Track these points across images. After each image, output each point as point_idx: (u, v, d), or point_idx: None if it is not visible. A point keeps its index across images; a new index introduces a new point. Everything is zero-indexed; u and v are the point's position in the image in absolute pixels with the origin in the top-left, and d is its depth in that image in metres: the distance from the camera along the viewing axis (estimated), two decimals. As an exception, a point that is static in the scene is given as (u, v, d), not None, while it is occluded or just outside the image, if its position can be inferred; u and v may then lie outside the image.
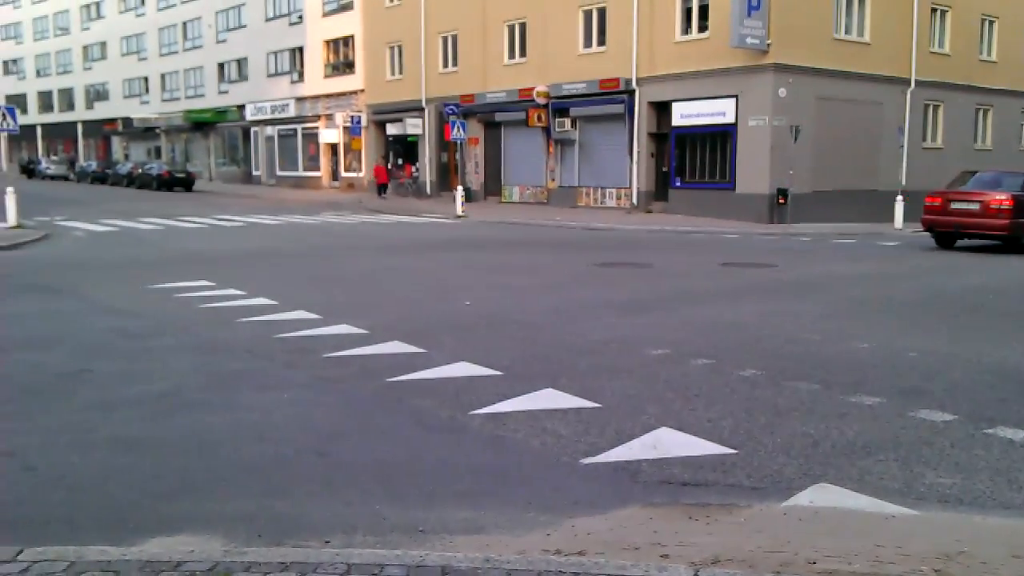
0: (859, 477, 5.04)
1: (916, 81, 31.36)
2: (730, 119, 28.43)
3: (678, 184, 30.65)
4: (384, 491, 4.84)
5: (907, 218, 26.90)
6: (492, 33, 36.77)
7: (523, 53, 35.70)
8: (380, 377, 7.28)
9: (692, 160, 30.21)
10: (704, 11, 28.99)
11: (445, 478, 5.04)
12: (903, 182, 30.56)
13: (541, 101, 34.12)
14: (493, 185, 38.19)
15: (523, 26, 35.51)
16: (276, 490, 4.86)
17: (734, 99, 28.18)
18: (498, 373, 7.37)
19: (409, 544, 4.11)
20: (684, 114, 29.97)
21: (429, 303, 11.44)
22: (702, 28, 29.14)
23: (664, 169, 31.44)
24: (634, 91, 31.26)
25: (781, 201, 27.12)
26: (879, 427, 5.97)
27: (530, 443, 5.62)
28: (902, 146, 30.56)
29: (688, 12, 29.67)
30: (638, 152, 31.63)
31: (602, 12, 32.40)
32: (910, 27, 31.04)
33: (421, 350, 8.30)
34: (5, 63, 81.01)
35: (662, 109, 31.06)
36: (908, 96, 31.27)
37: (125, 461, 5.31)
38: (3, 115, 23.17)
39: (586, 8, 32.94)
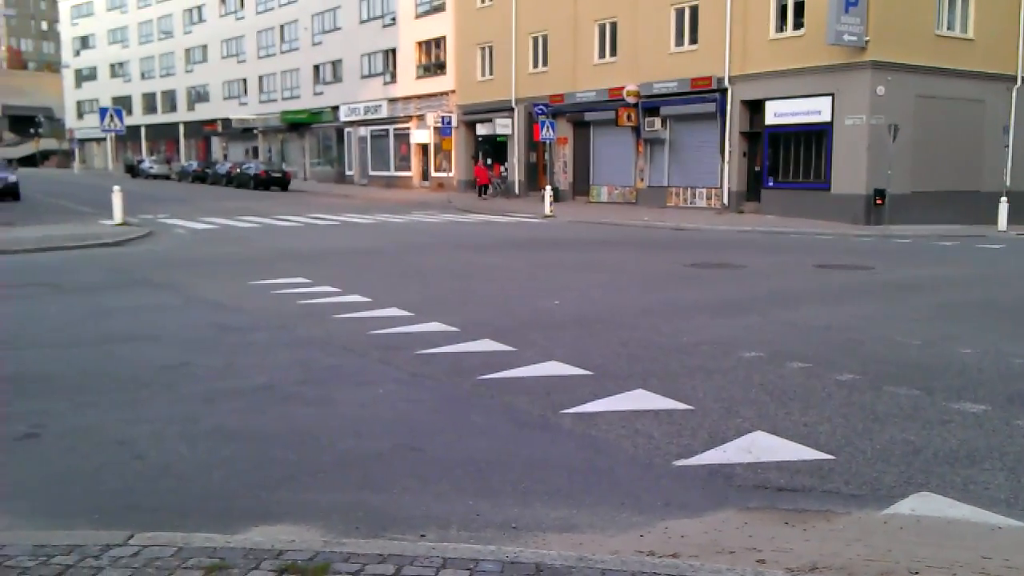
0: (963, 486, 4.89)
1: (1023, 78, 30.11)
2: (825, 118, 27.77)
3: (771, 184, 30.09)
4: (477, 487, 4.89)
5: (1011, 220, 25.88)
6: (582, 33, 36.70)
7: (613, 52, 35.53)
8: (471, 374, 7.35)
9: (786, 160, 29.61)
10: (800, 7, 28.38)
11: (537, 476, 5.07)
12: (1008, 183, 29.39)
13: (631, 100, 33.89)
14: (581, 185, 38.10)
15: (614, 25, 35.34)
16: (371, 483, 4.97)
17: (830, 97, 27.52)
18: (588, 373, 7.37)
19: (503, 540, 4.15)
20: (778, 113, 29.40)
21: (518, 302, 11.49)
22: (797, 25, 28.54)
23: (756, 169, 30.90)
24: (726, 90, 30.80)
25: (878, 202, 26.37)
26: (984, 435, 5.77)
27: (622, 444, 5.61)
28: (1007, 146, 29.37)
29: (783, 9, 29.09)
30: (730, 151, 31.16)
31: (694, 10, 32.02)
32: (1016, 22, 29.82)
33: (511, 348, 8.35)
34: (112, 66, 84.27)
35: (755, 108, 30.53)
36: (1014, 94, 30.04)
37: (228, 452, 5.49)
38: (111, 116, 24.12)
39: (678, 6, 32.60)
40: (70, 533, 4.10)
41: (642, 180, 35.16)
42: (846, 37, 25.99)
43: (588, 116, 36.78)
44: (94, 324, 9.94)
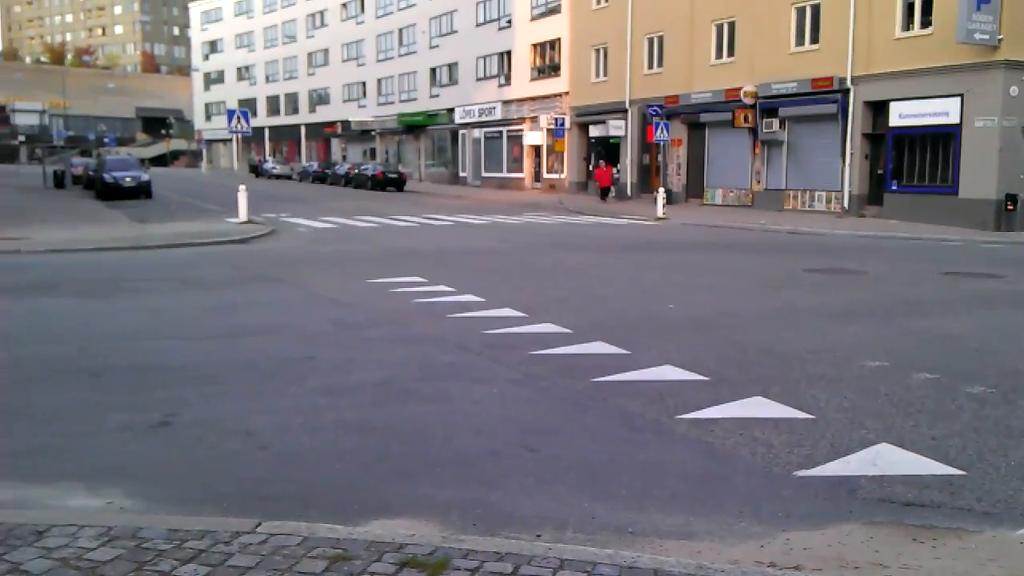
0: (1108, 510, 4.62)
1: None
2: (954, 119, 26.61)
3: (894, 188, 29.02)
4: (592, 489, 4.89)
5: None
6: (699, 33, 36.19)
7: (731, 52, 34.91)
8: (585, 376, 7.34)
9: (910, 162, 28.52)
10: (928, 5, 27.28)
11: (653, 481, 5.02)
12: None
13: (748, 101, 33.23)
14: (695, 187, 37.57)
15: (731, 25, 34.72)
16: (487, 481, 5.02)
17: (959, 98, 26.35)
18: (704, 378, 7.27)
19: (619, 544, 4.13)
20: (903, 114, 28.32)
21: (632, 304, 11.41)
22: (925, 23, 27.44)
23: (879, 172, 29.85)
24: (848, 90, 29.85)
25: (1010, 207, 25.11)
26: None
27: (740, 452, 5.51)
28: None
29: (910, 7, 28.01)
30: (851, 154, 30.19)
31: (816, 9, 31.16)
32: None
33: (625, 351, 8.30)
34: (238, 70, 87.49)
35: (878, 109, 29.49)
36: None
37: (349, 444, 5.63)
38: (238, 118, 25.03)
39: (799, 5, 31.79)
40: (202, 519, 4.27)
41: (758, 183, 34.44)
42: (977, 36, 24.85)
43: (703, 117, 36.24)
44: (222, 318, 10.34)
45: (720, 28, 35.31)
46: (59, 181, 45.43)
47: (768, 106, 32.80)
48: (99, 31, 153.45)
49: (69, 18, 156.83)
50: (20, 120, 47.67)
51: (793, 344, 8.76)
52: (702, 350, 8.43)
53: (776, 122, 32.65)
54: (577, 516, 4.50)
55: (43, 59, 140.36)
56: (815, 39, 31.24)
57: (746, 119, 33.47)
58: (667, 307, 11.16)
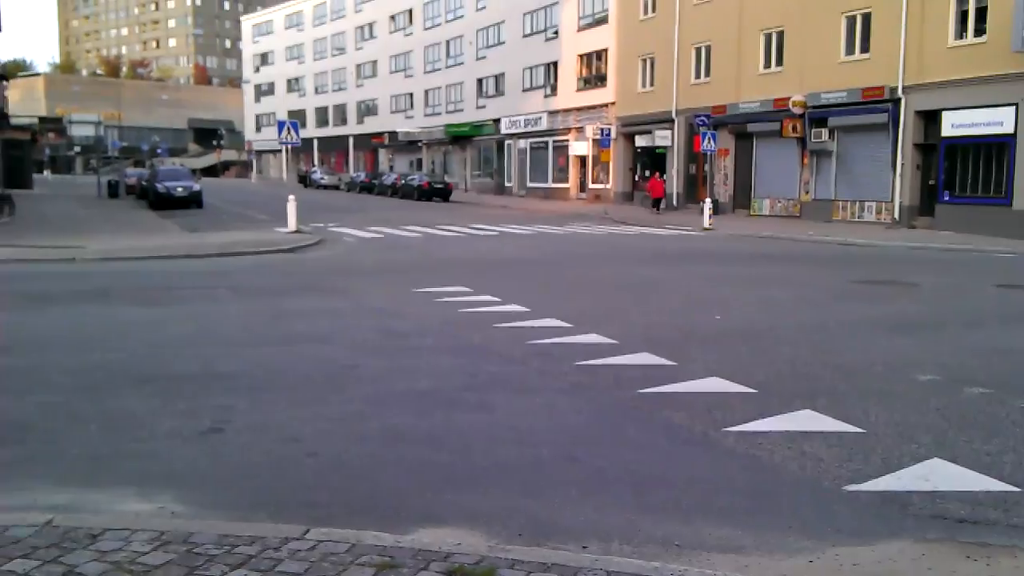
0: None
1: None
2: (1008, 129, 26.09)
3: (946, 198, 28.52)
4: (638, 501, 4.87)
5: None
6: (747, 42, 35.95)
7: (779, 62, 34.63)
8: (630, 387, 7.31)
9: (963, 173, 28.01)
10: (982, 13, 26.81)
11: (700, 494, 4.99)
12: None
13: (797, 111, 32.92)
14: (742, 198, 37.27)
15: (780, 34, 34.45)
16: (533, 491, 5.02)
17: (1014, 107, 25.83)
18: (752, 390, 7.20)
19: (666, 557, 4.10)
20: (955, 124, 27.84)
21: (678, 315, 11.35)
22: (979, 32, 26.96)
23: (930, 182, 29.36)
24: (899, 100, 29.43)
25: (1068, 219, 24.57)
26: None
27: (788, 465, 5.44)
28: None
29: (963, 15, 27.55)
30: (902, 164, 29.74)
31: (867, 18, 30.80)
32: None
33: (671, 363, 8.26)
34: (289, 81, 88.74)
35: (930, 118, 29.03)
36: None
37: (395, 452, 5.67)
38: (288, 129, 25.39)
39: (849, 14, 31.45)
40: (252, 524, 4.33)
41: (807, 193, 34.07)
42: (1034, 43, 24.37)
43: (751, 127, 35.97)
44: (271, 326, 10.48)
45: (768, 37, 35.06)
46: (113, 191, 46.40)
47: (817, 116, 32.46)
48: (153, 44, 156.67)
49: (124, 31, 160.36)
50: (76, 131, 48.76)
51: (842, 357, 8.65)
52: (749, 362, 8.35)
53: (825, 132, 32.30)
54: (623, 528, 4.48)
55: (99, 72, 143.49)
56: (865, 48, 30.87)
57: (794, 129, 33.16)
58: (714, 318, 11.08)
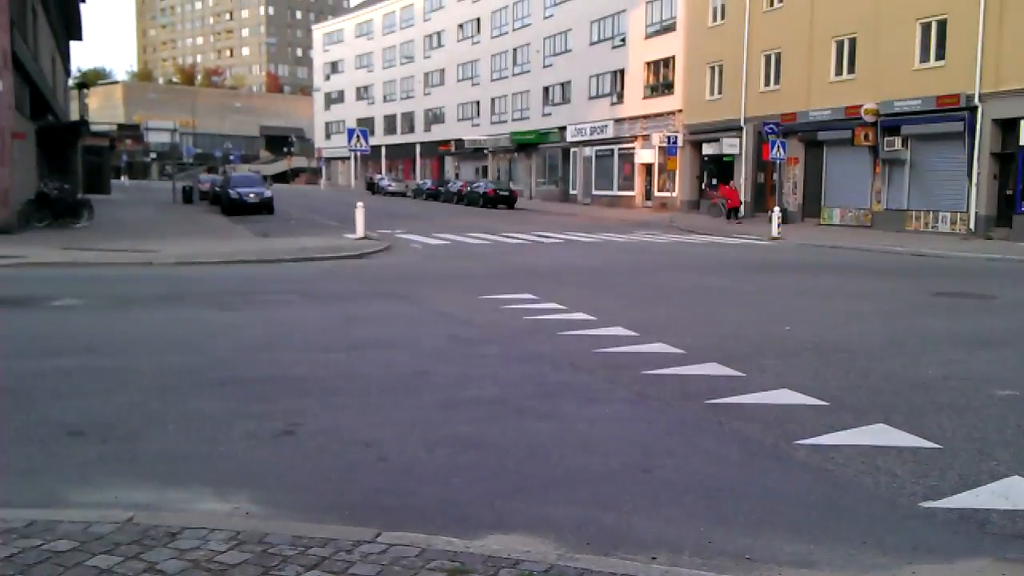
0: None
1: None
2: (1093, 137, 25.31)
3: (1024, 209, 27.74)
4: (708, 513, 4.83)
5: None
6: (818, 50, 35.41)
7: (851, 69, 34.03)
8: (699, 398, 7.26)
9: (1044, 183, 27.21)
10: (1066, 18, 26.07)
11: (770, 507, 4.93)
12: None
13: (869, 119, 32.32)
14: (811, 207, 36.69)
15: (852, 41, 33.86)
16: (601, 500, 5.01)
17: (1099, 115, 25.06)
18: (824, 403, 7.08)
19: (737, 570, 4.07)
20: (1036, 132, 27.07)
21: (746, 325, 11.21)
22: (1063, 37, 26.21)
23: (1008, 192, 28.54)
24: (976, 107, 28.70)
25: None
26: None
27: (862, 480, 5.35)
28: None
29: (1046, 20, 26.81)
30: (978, 173, 28.98)
31: (942, 24, 30.12)
32: None
33: (740, 374, 8.17)
34: (358, 89, 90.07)
35: (1008, 127, 28.22)
36: None
37: (464, 459, 5.72)
38: (357, 137, 25.74)
39: (924, 20, 30.78)
40: (325, 527, 4.41)
41: (879, 202, 33.40)
42: (1121, 49, 23.58)
43: (821, 135, 35.40)
44: (341, 331, 10.64)
45: (840, 44, 34.49)
46: (187, 197, 47.59)
47: (890, 124, 31.83)
48: (227, 53, 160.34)
49: (200, 40, 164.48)
50: (153, 138, 50.06)
51: (918, 370, 8.46)
52: (821, 374, 8.22)
53: (898, 140, 31.65)
54: (693, 540, 4.45)
55: (175, 80, 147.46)
56: (941, 55, 30.19)
57: (866, 137, 32.56)
58: (784, 329, 10.93)
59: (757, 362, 8.72)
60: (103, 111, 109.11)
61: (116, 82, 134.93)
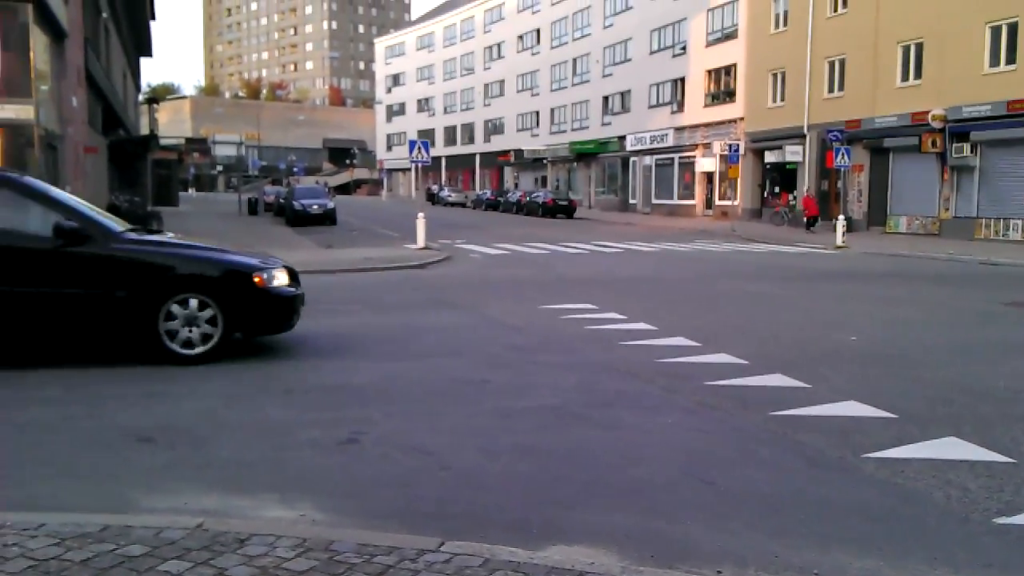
0: None
1: None
2: None
3: (1102, 216, 26.87)
4: (772, 526, 4.76)
5: None
6: (883, 55, 34.81)
7: (917, 75, 33.38)
8: (763, 409, 7.16)
9: (1123, 189, 26.36)
10: None
11: (837, 521, 4.84)
12: None
13: (937, 125, 31.64)
14: (877, 215, 36.02)
15: (919, 46, 33.22)
16: (663, 512, 4.97)
17: None
18: (892, 415, 6.94)
19: (803, 584, 4.00)
20: (1113, 137, 26.26)
21: (811, 336, 11.03)
22: None
23: (1085, 199, 27.74)
24: (1050, 112, 27.96)
25: None
26: None
27: (932, 495, 5.23)
28: None
29: (1124, 20, 26.01)
30: (1053, 180, 28.21)
31: (1012, 27, 29.38)
32: None
33: (805, 385, 8.04)
34: (419, 101, 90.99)
35: (1086, 132, 27.46)
36: None
37: (524, 468, 5.72)
38: (419, 149, 25.98)
39: (994, 24, 30.06)
40: (389, 535, 4.43)
41: (947, 210, 32.65)
42: None
43: (887, 142, 34.77)
44: (403, 340, 10.73)
45: (906, 50, 33.87)
46: (252, 208, 48.48)
47: (958, 130, 31.12)
48: (291, 67, 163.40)
49: (265, 55, 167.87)
50: (219, 151, 51.13)
51: (990, 382, 8.24)
52: (889, 386, 8.05)
53: (967, 147, 30.94)
54: (758, 553, 4.39)
55: (240, 94, 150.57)
56: (1011, 59, 29.46)
57: (934, 144, 31.89)
58: (850, 339, 10.74)
59: (822, 373, 8.58)
60: (172, 125, 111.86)
61: (184, 97, 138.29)
